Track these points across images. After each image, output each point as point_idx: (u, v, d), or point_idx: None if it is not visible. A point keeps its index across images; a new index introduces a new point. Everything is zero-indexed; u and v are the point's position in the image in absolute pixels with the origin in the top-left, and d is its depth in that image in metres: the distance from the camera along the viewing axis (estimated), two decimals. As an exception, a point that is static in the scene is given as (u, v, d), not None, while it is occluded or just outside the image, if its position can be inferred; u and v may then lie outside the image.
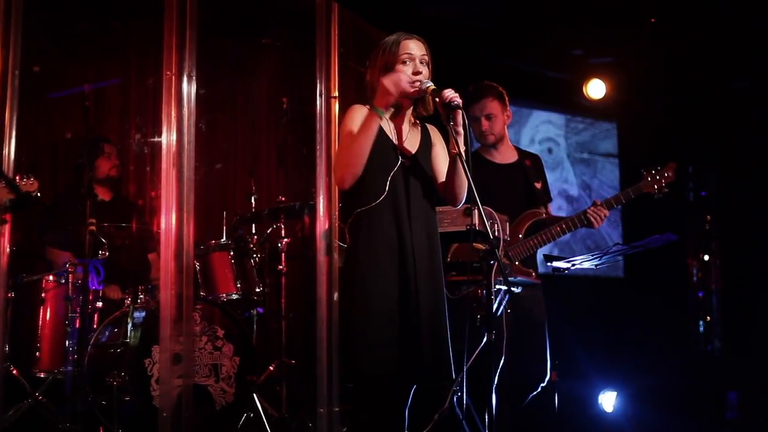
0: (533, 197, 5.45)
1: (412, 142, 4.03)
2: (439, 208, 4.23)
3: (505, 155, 5.58)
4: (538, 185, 5.51)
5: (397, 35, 3.97)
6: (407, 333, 3.79)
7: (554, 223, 5.33)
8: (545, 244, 5.31)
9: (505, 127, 5.57)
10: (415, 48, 3.93)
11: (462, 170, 3.91)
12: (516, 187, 5.48)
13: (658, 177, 5.35)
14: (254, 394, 5.64)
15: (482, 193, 4.64)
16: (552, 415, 5.42)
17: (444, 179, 4.04)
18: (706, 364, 9.94)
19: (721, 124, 9.75)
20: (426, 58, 3.96)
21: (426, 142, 4.07)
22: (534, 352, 5.34)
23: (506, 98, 5.55)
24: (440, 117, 3.91)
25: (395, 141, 3.97)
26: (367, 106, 3.94)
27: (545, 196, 5.57)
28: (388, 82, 3.81)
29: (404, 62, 3.91)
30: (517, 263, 5.21)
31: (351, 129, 3.89)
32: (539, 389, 5.36)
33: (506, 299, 4.95)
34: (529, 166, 5.55)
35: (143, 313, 5.39)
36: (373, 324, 3.77)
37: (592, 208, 5.29)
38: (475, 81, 5.61)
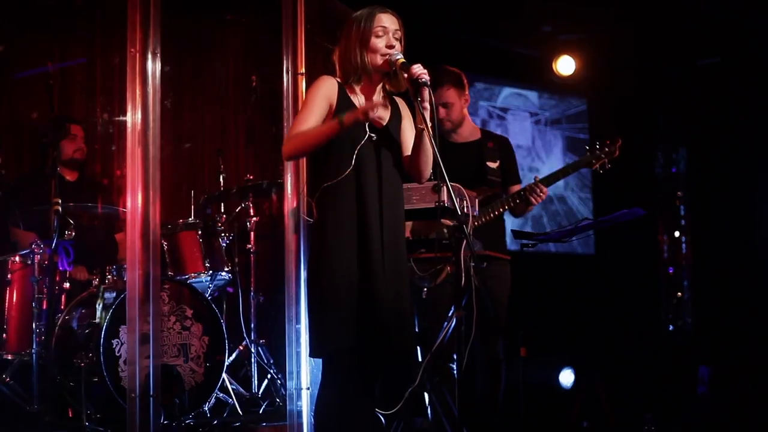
0: (481, 176, 5.40)
1: (382, 114, 3.99)
2: (407, 185, 4.21)
3: (463, 135, 5.54)
4: (493, 165, 5.45)
5: (371, 8, 3.93)
6: (370, 308, 3.76)
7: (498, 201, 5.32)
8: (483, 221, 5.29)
9: (464, 110, 5.52)
10: (388, 22, 3.90)
11: (428, 145, 3.88)
12: (466, 164, 5.41)
13: (599, 153, 5.31)
14: (224, 374, 5.62)
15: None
16: (520, 392, 5.41)
17: (410, 153, 4.01)
18: (677, 339, 9.99)
19: (691, 100, 9.78)
20: (399, 33, 3.92)
21: (396, 115, 4.04)
22: (488, 328, 5.33)
23: (465, 81, 5.50)
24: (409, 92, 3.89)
25: None
26: (336, 79, 3.94)
27: (508, 177, 5.50)
28: (363, 107, 3.75)
29: (378, 35, 3.87)
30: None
31: (313, 99, 3.88)
32: (501, 366, 5.35)
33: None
34: (491, 147, 5.50)
35: (113, 294, 5.34)
36: (336, 299, 3.76)
37: (530, 184, 5.27)
38: (440, 60, 5.55)
